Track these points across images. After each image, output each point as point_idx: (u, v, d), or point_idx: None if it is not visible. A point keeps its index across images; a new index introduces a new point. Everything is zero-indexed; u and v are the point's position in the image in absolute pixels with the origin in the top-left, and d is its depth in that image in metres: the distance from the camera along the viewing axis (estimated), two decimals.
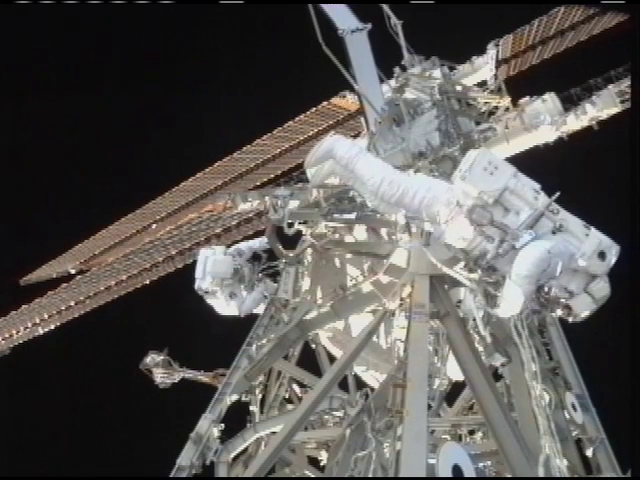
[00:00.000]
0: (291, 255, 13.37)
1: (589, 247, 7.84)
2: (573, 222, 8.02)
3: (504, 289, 8.02)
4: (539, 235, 7.78)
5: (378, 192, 8.75)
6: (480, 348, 9.20)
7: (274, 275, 13.81)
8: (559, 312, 8.18)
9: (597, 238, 7.92)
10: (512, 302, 7.92)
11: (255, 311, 13.77)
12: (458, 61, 17.12)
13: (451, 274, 8.98)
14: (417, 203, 8.43)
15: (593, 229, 7.99)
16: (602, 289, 7.93)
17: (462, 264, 8.71)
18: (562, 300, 8.01)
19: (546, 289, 7.83)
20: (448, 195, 8.16)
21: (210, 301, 13.85)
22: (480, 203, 7.95)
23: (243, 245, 14.42)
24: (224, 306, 13.72)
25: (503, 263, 7.94)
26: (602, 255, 7.85)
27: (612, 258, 7.90)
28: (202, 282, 13.47)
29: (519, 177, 8.10)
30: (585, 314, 8.05)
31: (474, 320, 9.08)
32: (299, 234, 13.37)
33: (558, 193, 7.98)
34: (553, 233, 7.88)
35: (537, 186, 8.15)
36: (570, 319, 8.20)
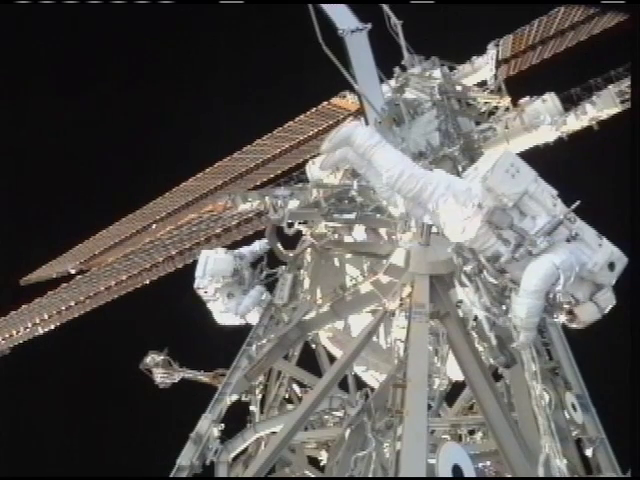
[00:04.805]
0: (291, 255, 13.38)
1: (601, 258, 7.83)
2: (588, 232, 7.99)
3: (512, 304, 8.01)
4: (554, 242, 7.77)
5: (395, 185, 8.55)
6: (480, 348, 9.20)
7: (274, 282, 13.79)
8: (562, 318, 8.19)
9: (609, 249, 7.93)
10: (521, 320, 7.93)
11: (250, 320, 13.75)
12: (458, 61, 17.15)
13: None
14: (435, 200, 8.32)
15: (605, 239, 8.00)
16: (609, 299, 7.95)
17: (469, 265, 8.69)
18: (566, 306, 8.02)
19: (551, 295, 7.82)
20: (467, 194, 8.08)
21: (209, 305, 13.85)
22: (500, 206, 7.95)
23: (245, 249, 14.44)
24: (222, 309, 13.71)
25: (515, 267, 7.91)
26: (612, 266, 7.87)
27: (619, 269, 7.92)
28: (202, 280, 13.48)
29: (539, 182, 8.04)
30: (589, 322, 8.07)
31: (474, 320, 9.07)
32: (299, 234, 13.38)
33: (578, 202, 7.95)
34: (567, 241, 7.89)
35: (555, 192, 8.12)
36: (573, 325, 8.21)
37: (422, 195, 8.39)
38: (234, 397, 12.12)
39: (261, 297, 13.89)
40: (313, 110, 18.11)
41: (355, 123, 9.71)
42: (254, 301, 13.76)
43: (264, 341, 12.37)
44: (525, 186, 7.94)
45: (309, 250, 13.35)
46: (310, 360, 14.12)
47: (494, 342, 8.56)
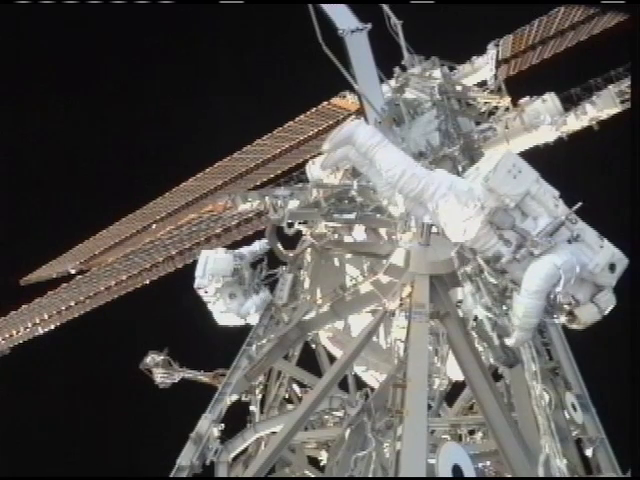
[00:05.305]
0: (291, 255, 13.38)
1: (602, 259, 7.86)
2: (589, 233, 8.01)
3: (514, 304, 8.02)
4: (556, 242, 7.78)
5: (397, 185, 8.55)
6: (480, 348, 9.20)
7: (274, 282, 13.78)
8: (563, 318, 8.20)
9: (610, 250, 7.94)
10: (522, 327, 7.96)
11: (250, 320, 13.73)
12: (458, 61, 17.17)
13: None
14: (437, 199, 8.32)
15: (606, 241, 8.01)
16: (609, 301, 7.98)
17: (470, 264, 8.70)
18: (566, 307, 8.03)
19: (552, 296, 7.83)
20: (469, 195, 8.08)
21: (209, 306, 13.81)
22: (502, 206, 7.94)
23: (245, 249, 14.41)
24: (223, 310, 13.68)
25: (515, 268, 7.93)
26: (612, 267, 7.89)
27: (620, 271, 7.93)
28: (202, 280, 13.45)
29: (541, 183, 8.05)
30: (589, 323, 8.09)
31: (474, 320, 9.07)
32: (299, 234, 13.38)
33: (580, 203, 7.96)
34: (569, 242, 7.89)
35: (556, 193, 8.13)
36: (573, 326, 8.22)
37: (424, 195, 8.38)
38: (234, 397, 12.12)
39: (264, 303, 13.80)
40: (313, 110, 18.12)
41: (357, 122, 9.66)
42: (258, 307, 13.64)
43: (264, 341, 12.37)
44: (527, 187, 7.94)
45: (309, 250, 13.35)
46: (310, 360, 14.13)
47: (496, 342, 8.57)
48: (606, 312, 8.06)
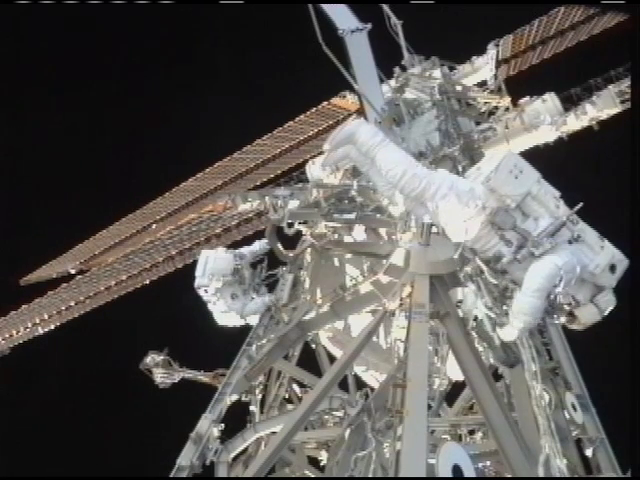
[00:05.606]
0: (291, 255, 13.38)
1: (603, 260, 7.88)
2: (590, 233, 8.04)
3: (513, 304, 8.04)
4: (557, 243, 7.80)
5: (398, 184, 8.54)
6: (480, 348, 9.20)
7: (274, 283, 13.77)
8: (563, 319, 8.22)
9: (611, 251, 7.97)
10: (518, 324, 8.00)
11: (250, 320, 13.71)
12: (458, 61, 17.18)
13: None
14: (438, 199, 8.30)
15: (607, 241, 8.03)
16: (609, 302, 8.00)
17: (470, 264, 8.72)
18: (566, 307, 8.04)
19: (552, 297, 7.85)
20: (470, 195, 8.07)
21: (210, 307, 13.80)
22: (503, 206, 7.95)
23: (245, 249, 14.41)
24: (224, 310, 13.67)
25: (516, 268, 7.94)
26: (613, 268, 7.91)
27: (620, 272, 7.95)
28: (202, 279, 13.44)
29: (542, 183, 8.08)
30: (589, 324, 8.10)
31: (474, 320, 9.08)
32: (299, 234, 13.38)
33: (581, 204, 7.98)
34: (569, 243, 7.91)
35: (557, 194, 8.15)
36: (573, 326, 8.24)
37: (425, 195, 8.39)
38: (234, 397, 12.11)
39: (265, 305, 13.79)
40: (313, 110, 18.14)
41: (358, 121, 9.64)
42: (259, 308, 13.63)
43: (264, 341, 12.36)
44: (528, 187, 7.96)
45: (309, 250, 13.34)
46: (310, 360, 14.13)
47: (497, 342, 8.58)
48: (606, 313, 8.08)
